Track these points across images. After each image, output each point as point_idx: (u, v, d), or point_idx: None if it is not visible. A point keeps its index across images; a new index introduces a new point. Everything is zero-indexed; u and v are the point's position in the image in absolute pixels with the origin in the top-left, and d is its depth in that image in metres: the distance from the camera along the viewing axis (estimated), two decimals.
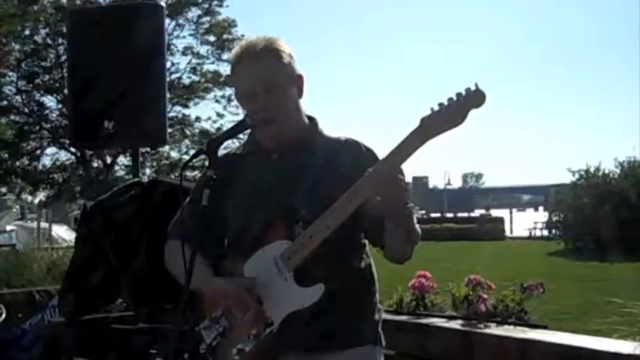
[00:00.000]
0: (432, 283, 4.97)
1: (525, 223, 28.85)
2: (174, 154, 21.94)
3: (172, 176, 17.76)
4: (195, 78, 21.54)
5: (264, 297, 1.84)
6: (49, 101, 19.89)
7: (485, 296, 4.58)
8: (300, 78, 1.99)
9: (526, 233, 27.31)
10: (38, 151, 20.40)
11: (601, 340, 3.88)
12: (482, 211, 48.94)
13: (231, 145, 2.35)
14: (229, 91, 21.13)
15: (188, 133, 22.12)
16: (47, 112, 19.89)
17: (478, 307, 4.55)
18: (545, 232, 24.45)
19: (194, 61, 21.46)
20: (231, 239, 2.01)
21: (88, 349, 4.12)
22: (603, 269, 11.51)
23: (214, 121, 21.83)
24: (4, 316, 5.48)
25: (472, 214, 39.69)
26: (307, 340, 1.86)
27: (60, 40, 18.19)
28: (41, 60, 19.29)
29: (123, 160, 19.37)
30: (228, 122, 21.15)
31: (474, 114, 1.71)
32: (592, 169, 18.20)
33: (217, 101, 22.01)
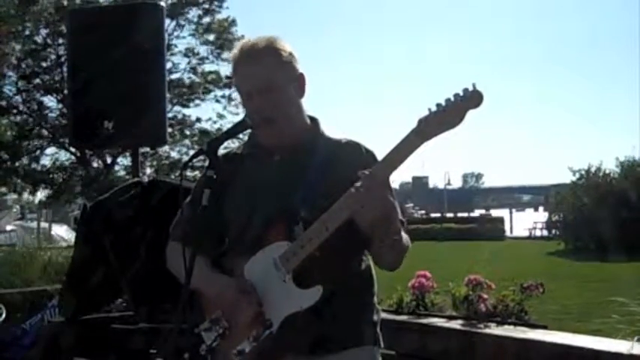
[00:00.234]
0: (432, 283, 4.98)
1: (525, 223, 28.86)
2: (174, 154, 21.94)
3: (172, 176, 17.76)
4: (196, 79, 21.54)
5: (263, 298, 1.84)
6: (49, 101, 19.89)
7: (485, 296, 4.59)
8: (301, 77, 1.98)
9: (526, 233, 27.31)
10: (38, 151, 20.40)
11: (601, 340, 3.89)
12: (482, 211, 49.01)
13: (231, 145, 2.34)
14: (229, 91, 21.15)
15: (188, 133, 22.12)
16: (47, 112, 19.89)
17: (478, 307, 4.55)
18: (545, 232, 24.46)
19: (194, 61, 21.46)
20: (231, 239, 2.01)
21: (88, 349, 4.12)
22: (603, 269, 11.50)
23: (214, 122, 21.84)
24: (4, 316, 5.48)
25: (472, 214, 39.69)
26: (306, 342, 1.86)
27: (60, 40, 18.18)
28: (41, 60, 19.29)
29: (123, 160, 19.36)
30: (227, 123, 21.16)
31: (473, 114, 1.70)
32: (593, 169, 18.18)
33: (217, 101, 22.02)
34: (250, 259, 1.89)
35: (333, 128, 2.04)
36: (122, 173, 19.92)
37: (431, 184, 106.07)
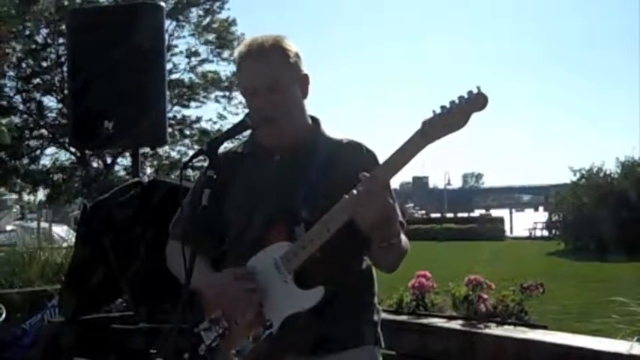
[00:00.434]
0: (432, 283, 4.97)
1: (525, 223, 28.84)
2: (174, 154, 21.96)
3: (172, 176, 17.77)
4: (195, 79, 21.55)
5: (263, 299, 1.83)
6: (49, 101, 19.90)
7: (485, 296, 4.58)
8: (305, 78, 1.98)
9: (526, 233, 27.29)
10: (38, 151, 20.41)
11: (601, 340, 3.88)
12: (482, 211, 48.98)
13: (231, 145, 2.34)
14: (229, 93, 21.16)
15: (188, 133, 22.13)
16: (47, 112, 19.91)
17: (478, 307, 4.55)
18: (545, 232, 24.46)
19: (194, 61, 21.47)
20: (231, 239, 2.01)
21: (88, 349, 4.12)
22: (603, 269, 11.50)
23: (214, 122, 21.85)
24: (4, 316, 5.47)
25: (472, 214, 39.66)
26: (306, 342, 1.86)
27: (60, 40, 18.20)
28: (41, 60, 19.31)
29: (123, 160, 19.37)
30: (228, 124, 21.18)
31: (474, 114, 1.69)
32: (595, 169, 18.16)
33: (217, 101, 22.04)
34: (251, 259, 1.88)
35: (333, 128, 2.04)
36: (122, 173, 19.94)
37: (431, 184, 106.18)
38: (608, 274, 10.37)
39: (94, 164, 19.86)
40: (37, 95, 19.70)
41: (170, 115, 19.44)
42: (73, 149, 18.69)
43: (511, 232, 29.51)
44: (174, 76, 20.51)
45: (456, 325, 4.51)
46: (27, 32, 18.73)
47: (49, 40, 19.17)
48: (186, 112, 22.03)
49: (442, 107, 1.70)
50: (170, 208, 2.13)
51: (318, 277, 1.80)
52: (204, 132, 21.67)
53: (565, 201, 19.04)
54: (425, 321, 4.71)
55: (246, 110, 2.01)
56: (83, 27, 4.71)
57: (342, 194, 1.75)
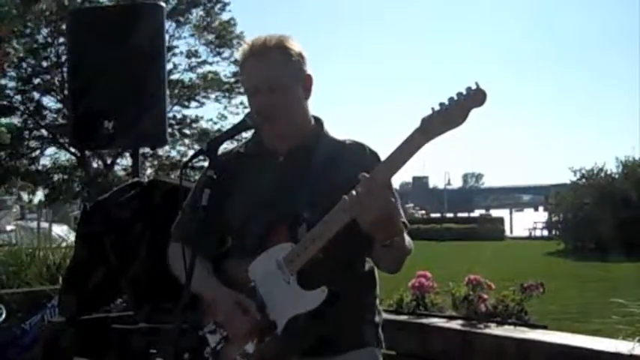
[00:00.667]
0: (432, 283, 4.97)
1: (525, 223, 28.82)
2: (174, 154, 21.97)
3: (172, 176, 17.77)
4: (195, 79, 21.56)
5: (267, 300, 1.83)
6: (49, 101, 19.91)
7: (485, 296, 4.58)
8: (309, 78, 1.97)
9: (526, 233, 27.28)
10: (38, 151, 20.42)
11: (601, 340, 3.88)
12: (482, 211, 48.95)
13: (231, 145, 2.34)
14: (229, 94, 21.17)
15: (188, 133, 22.14)
16: (47, 112, 19.92)
17: (478, 307, 4.54)
18: (545, 232, 24.44)
19: (194, 61, 21.48)
20: (233, 240, 2.00)
21: (88, 349, 4.12)
22: (603, 269, 11.49)
23: (215, 122, 21.86)
24: (4, 316, 5.46)
25: (472, 215, 39.64)
26: (309, 343, 1.86)
27: (60, 40, 18.21)
28: (42, 60, 19.31)
29: (123, 160, 19.38)
30: (228, 124, 21.19)
31: (473, 113, 1.69)
32: (595, 170, 18.15)
33: (217, 101, 22.04)
34: (254, 260, 1.88)
35: (334, 128, 2.04)
36: (122, 173, 19.94)
37: (431, 184, 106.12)
38: (608, 274, 10.36)
39: (94, 164, 19.87)
40: (37, 95, 19.72)
41: (170, 115, 19.46)
42: (73, 149, 18.69)
43: (511, 232, 29.48)
44: (174, 77, 20.51)
45: (455, 325, 4.50)
46: (28, 31, 18.73)
47: (49, 40, 19.18)
48: (186, 112, 22.06)
49: (441, 104, 1.69)
50: (170, 208, 2.13)
51: (321, 278, 1.80)
52: (204, 132, 21.67)
53: (565, 201, 19.02)
54: (425, 321, 4.70)
55: (247, 110, 2.01)
56: (83, 27, 4.72)
57: (345, 195, 1.74)
